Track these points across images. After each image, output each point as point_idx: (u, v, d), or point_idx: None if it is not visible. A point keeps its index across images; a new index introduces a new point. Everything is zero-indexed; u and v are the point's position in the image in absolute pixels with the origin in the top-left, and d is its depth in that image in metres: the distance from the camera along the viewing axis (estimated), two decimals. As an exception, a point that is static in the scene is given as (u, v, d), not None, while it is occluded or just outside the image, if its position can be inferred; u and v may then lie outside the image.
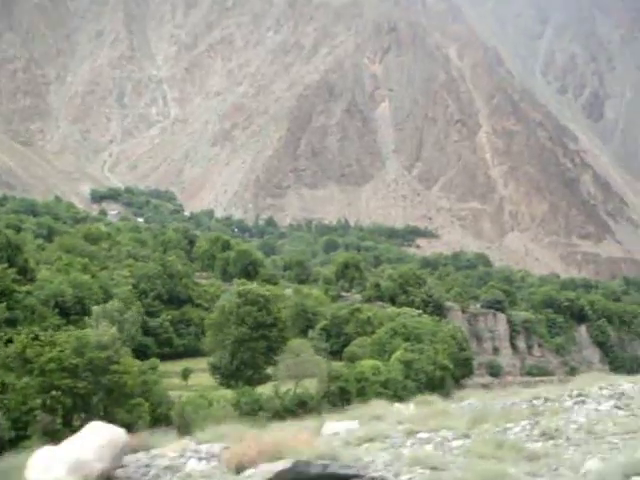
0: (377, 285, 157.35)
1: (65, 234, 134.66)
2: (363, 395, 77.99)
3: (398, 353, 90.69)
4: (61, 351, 46.73)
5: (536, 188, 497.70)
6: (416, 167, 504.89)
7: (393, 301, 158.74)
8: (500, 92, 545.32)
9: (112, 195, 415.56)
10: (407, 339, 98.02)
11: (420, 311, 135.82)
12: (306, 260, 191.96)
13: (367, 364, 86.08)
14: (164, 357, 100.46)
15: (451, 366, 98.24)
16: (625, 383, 22.54)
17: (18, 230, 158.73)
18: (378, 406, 22.87)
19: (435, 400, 22.90)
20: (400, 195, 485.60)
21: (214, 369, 72.00)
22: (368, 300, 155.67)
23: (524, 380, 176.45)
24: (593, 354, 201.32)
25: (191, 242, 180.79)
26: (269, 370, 71.35)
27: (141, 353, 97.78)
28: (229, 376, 69.60)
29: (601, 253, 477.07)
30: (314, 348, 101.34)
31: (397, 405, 23.89)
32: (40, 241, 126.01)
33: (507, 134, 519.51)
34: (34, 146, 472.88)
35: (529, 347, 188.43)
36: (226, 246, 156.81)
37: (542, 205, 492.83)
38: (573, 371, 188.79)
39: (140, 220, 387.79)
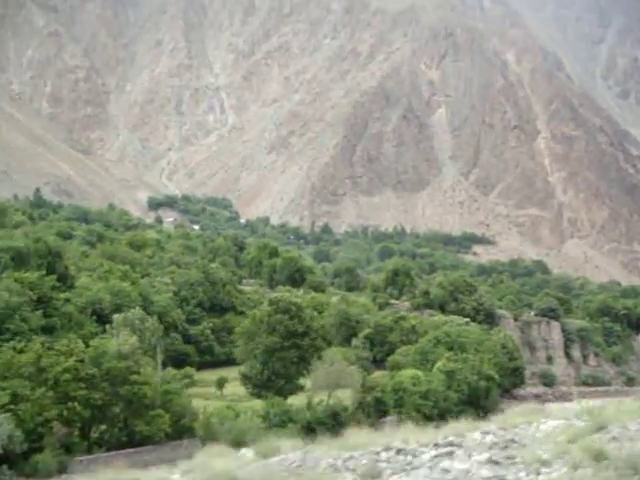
0: (426, 293, 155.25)
1: (108, 241, 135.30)
2: (401, 407, 76.49)
3: (440, 363, 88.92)
4: (78, 361, 46.15)
5: (596, 194, 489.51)
6: (473, 173, 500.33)
7: (443, 309, 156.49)
8: (559, 97, 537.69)
9: (169, 202, 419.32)
10: (450, 348, 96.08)
11: (468, 319, 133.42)
12: (356, 267, 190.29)
13: (407, 374, 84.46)
14: (205, 365, 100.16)
15: (496, 376, 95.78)
16: (549, 420, 18.47)
17: (69, 237, 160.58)
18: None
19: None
20: (457, 202, 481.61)
21: (245, 379, 71.09)
22: (417, 308, 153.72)
23: (579, 390, 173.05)
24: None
25: (241, 249, 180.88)
26: (302, 380, 70.10)
27: (181, 361, 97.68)
28: (260, 386, 68.59)
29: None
30: (356, 357, 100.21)
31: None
32: (86, 248, 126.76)
33: (566, 139, 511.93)
34: (93, 154, 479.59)
35: (584, 356, 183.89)
36: (274, 253, 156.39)
37: (602, 211, 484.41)
38: (631, 381, 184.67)
39: (196, 227, 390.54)
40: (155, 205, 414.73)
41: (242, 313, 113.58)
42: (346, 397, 66.08)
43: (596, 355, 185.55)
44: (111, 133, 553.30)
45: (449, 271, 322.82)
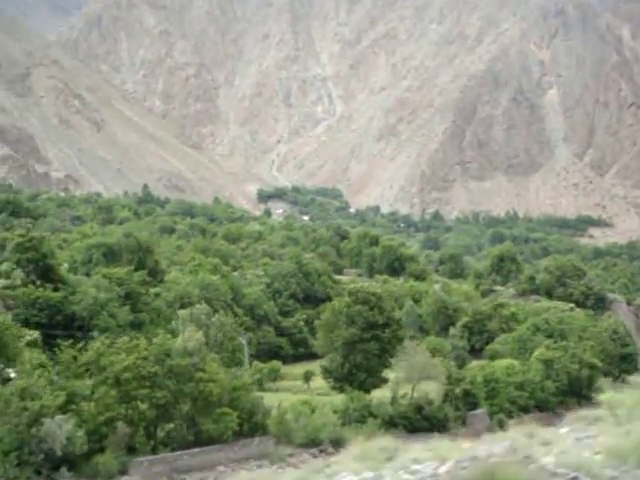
0: (532, 278, 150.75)
1: (203, 235, 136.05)
2: (493, 398, 73.78)
3: (538, 351, 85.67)
4: (140, 358, 45.67)
5: None
6: (588, 154, 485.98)
7: (550, 294, 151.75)
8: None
9: (278, 194, 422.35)
10: (550, 336, 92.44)
11: (572, 305, 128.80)
12: (463, 254, 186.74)
13: (501, 364, 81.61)
14: (299, 358, 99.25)
15: (599, 364, 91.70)
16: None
17: (171, 232, 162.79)
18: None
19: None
20: (571, 184, 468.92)
21: (326, 372, 69.70)
22: (522, 294, 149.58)
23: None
24: None
25: (343, 239, 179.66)
26: (386, 373, 68.32)
27: (274, 354, 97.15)
28: (342, 379, 67.07)
29: None
30: (452, 346, 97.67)
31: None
32: (182, 242, 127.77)
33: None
34: (203, 149, 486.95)
35: None
36: (374, 242, 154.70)
37: None
38: None
39: (305, 218, 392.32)
40: (264, 197, 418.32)
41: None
42: (434, 390, 64.07)
43: None
44: (221, 127, 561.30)
45: (561, 255, 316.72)
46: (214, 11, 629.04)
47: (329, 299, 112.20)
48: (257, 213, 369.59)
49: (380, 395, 65.17)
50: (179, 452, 46.49)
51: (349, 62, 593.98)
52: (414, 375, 61.44)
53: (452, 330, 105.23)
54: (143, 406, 45.65)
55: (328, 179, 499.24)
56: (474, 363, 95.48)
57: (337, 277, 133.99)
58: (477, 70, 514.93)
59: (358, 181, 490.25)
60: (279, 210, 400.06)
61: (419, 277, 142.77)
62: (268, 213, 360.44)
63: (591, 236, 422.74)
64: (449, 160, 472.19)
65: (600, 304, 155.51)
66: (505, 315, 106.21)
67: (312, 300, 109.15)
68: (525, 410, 77.35)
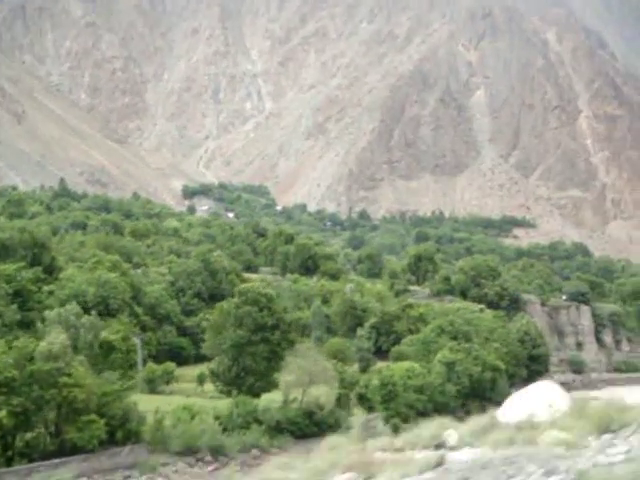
0: (447, 278, 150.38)
1: (104, 231, 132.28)
2: (389, 402, 72.25)
3: (440, 354, 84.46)
4: (-5, 364, 42.71)
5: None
6: (513, 155, 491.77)
7: (464, 295, 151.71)
8: (601, 76, 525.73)
9: (204, 191, 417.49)
10: (454, 338, 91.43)
11: (482, 306, 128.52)
12: (379, 253, 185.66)
13: (401, 366, 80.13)
14: (202, 359, 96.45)
15: (503, 366, 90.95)
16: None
17: (83, 227, 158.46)
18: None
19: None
20: (497, 184, 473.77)
21: (213, 375, 67.22)
22: (437, 294, 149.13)
23: (610, 377, 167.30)
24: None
25: (261, 236, 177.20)
26: (277, 376, 66.03)
27: (175, 354, 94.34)
28: (230, 383, 64.56)
29: None
30: (356, 348, 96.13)
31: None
32: (84, 238, 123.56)
33: (609, 119, 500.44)
34: (128, 144, 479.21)
35: (617, 342, 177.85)
36: (289, 240, 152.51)
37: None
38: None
39: (230, 215, 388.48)
40: (190, 194, 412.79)
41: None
42: (325, 394, 62.01)
43: (630, 340, 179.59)
44: (149, 122, 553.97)
45: (483, 255, 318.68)
46: (143, 4, 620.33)
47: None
48: (182, 209, 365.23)
49: (270, 399, 63.05)
50: (37, 463, 43.62)
51: (279, 59, 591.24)
52: (304, 379, 59.44)
53: (360, 331, 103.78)
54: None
55: (256, 176, 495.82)
56: (379, 365, 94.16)
57: (249, 275, 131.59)
58: (406, 70, 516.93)
59: (286, 179, 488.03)
60: (204, 207, 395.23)
61: (334, 276, 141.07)
62: (192, 210, 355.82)
63: (515, 237, 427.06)
64: (377, 159, 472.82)
65: (514, 305, 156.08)
66: (413, 316, 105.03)
67: (218, 299, 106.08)
68: (423, 414, 75.92)
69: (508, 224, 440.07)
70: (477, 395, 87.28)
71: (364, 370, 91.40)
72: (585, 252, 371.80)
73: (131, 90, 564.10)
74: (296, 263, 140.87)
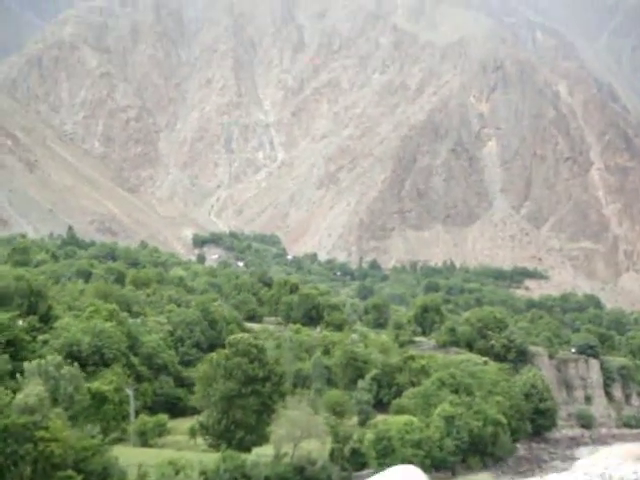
0: (452, 329, 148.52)
1: (101, 279, 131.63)
2: (384, 457, 70.43)
3: (440, 408, 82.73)
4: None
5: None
6: (525, 206, 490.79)
7: (470, 346, 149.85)
8: (613, 128, 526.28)
9: (214, 240, 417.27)
10: (455, 391, 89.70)
11: (485, 359, 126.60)
12: (386, 303, 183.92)
13: (399, 420, 78.45)
14: (198, 411, 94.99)
15: (504, 421, 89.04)
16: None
17: (89, 275, 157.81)
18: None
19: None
20: (508, 235, 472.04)
21: (203, 429, 65.68)
22: (443, 346, 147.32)
23: (620, 432, 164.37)
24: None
25: (267, 285, 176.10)
26: (269, 430, 64.33)
27: (172, 405, 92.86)
28: (220, 436, 62.99)
29: None
30: (356, 400, 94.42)
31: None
32: (85, 287, 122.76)
33: (620, 171, 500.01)
34: (139, 192, 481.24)
35: (627, 396, 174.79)
36: (294, 289, 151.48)
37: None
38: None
39: (240, 264, 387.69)
40: (200, 242, 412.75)
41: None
42: (316, 449, 60.37)
43: None
44: (161, 171, 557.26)
45: (493, 306, 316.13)
46: (158, 55, 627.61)
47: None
48: (192, 258, 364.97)
49: (261, 454, 61.47)
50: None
51: (291, 109, 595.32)
52: (295, 432, 57.96)
53: (360, 383, 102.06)
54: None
55: (267, 225, 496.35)
56: (379, 418, 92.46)
57: (252, 325, 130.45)
58: (417, 120, 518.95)
59: (297, 228, 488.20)
60: (214, 256, 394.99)
61: (339, 327, 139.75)
62: (202, 258, 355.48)
63: (527, 288, 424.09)
64: (388, 209, 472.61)
65: (521, 357, 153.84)
66: (415, 368, 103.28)
67: (218, 349, 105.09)
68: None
69: (519, 275, 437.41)
70: (478, 450, 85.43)
71: (363, 423, 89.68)
72: (597, 304, 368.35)
73: (144, 139, 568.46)
74: (300, 313, 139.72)
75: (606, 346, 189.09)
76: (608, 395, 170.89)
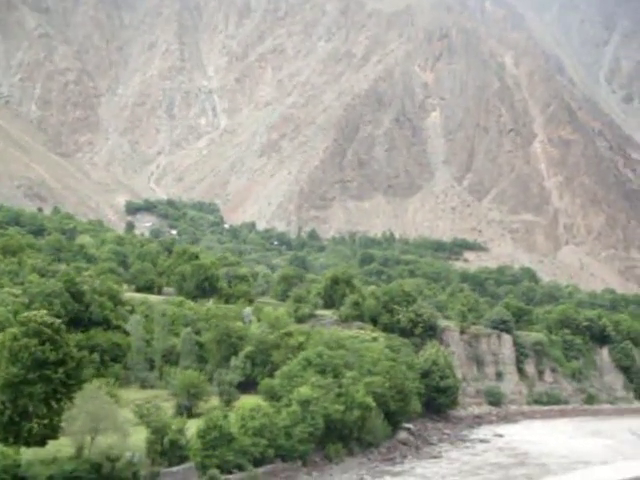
0: (357, 303, 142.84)
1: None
2: (214, 449, 63.72)
3: (296, 391, 76.79)
4: None
5: (593, 199, 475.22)
6: (467, 178, 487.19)
7: (375, 321, 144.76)
8: (557, 100, 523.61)
9: (148, 207, 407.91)
10: (322, 371, 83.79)
11: (375, 335, 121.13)
12: (297, 276, 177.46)
13: (245, 405, 72.38)
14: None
15: (373, 404, 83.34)
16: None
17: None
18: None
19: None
20: (449, 207, 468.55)
21: (-13, 419, 58.47)
22: (345, 320, 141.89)
23: (530, 410, 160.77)
24: (616, 380, 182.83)
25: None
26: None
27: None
28: (4, 429, 55.64)
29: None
30: (218, 381, 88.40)
31: None
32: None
33: (563, 143, 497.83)
34: (72, 158, 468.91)
35: (540, 372, 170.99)
36: (193, 259, 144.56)
37: (599, 217, 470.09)
38: (591, 399, 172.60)
39: (173, 232, 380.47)
40: (133, 210, 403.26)
41: (118, 327, 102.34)
42: (118, 443, 53.56)
43: (553, 371, 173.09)
44: (101, 137, 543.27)
45: (428, 278, 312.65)
46: (100, 17, 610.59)
47: (107, 323, 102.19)
48: (118, 225, 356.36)
49: (53, 450, 54.66)
50: None
51: (235, 75, 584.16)
52: (89, 425, 51.41)
53: (234, 360, 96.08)
54: None
55: (207, 193, 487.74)
56: (249, 399, 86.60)
57: (145, 296, 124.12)
58: (361, 89, 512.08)
59: (237, 196, 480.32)
60: (147, 223, 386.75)
61: (229, 299, 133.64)
62: (131, 226, 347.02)
63: (466, 260, 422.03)
64: (329, 178, 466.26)
65: (430, 332, 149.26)
66: (292, 345, 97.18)
67: (85, 324, 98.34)
68: (260, 462, 68.06)
69: (459, 247, 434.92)
70: (341, 437, 79.73)
71: (227, 405, 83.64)
72: (532, 277, 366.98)
73: (84, 104, 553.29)
74: (192, 284, 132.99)
75: (524, 321, 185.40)
76: (520, 371, 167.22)
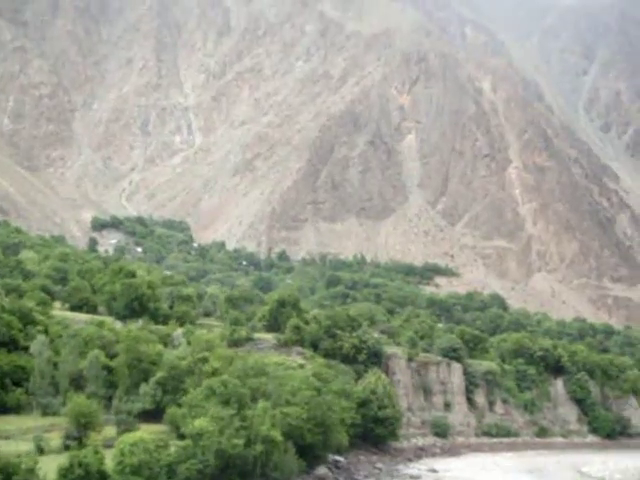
0: (297, 327, 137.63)
1: None
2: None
3: (191, 423, 71.34)
4: None
5: (566, 227, 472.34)
6: (440, 202, 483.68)
7: (315, 347, 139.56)
8: (533, 127, 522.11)
9: (114, 224, 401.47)
10: (226, 401, 78.39)
11: (302, 362, 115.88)
12: (245, 297, 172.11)
13: (127, 439, 66.67)
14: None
15: (281, 438, 77.90)
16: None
17: None
18: None
19: None
20: (422, 231, 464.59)
21: None
22: (285, 345, 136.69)
23: (477, 442, 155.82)
24: (570, 412, 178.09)
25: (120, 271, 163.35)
26: None
27: None
28: None
29: (634, 298, 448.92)
30: (114, 410, 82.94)
31: None
32: None
33: (538, 170, 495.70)
34: (40, 172, 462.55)
35: (490, 403, 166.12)
36: (129, 277, 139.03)
37: (572, 245, 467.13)
38: (543, 432, 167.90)
39: (139, 250, 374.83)
40: (99, 226, 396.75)
41: (26, 349, 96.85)
42: None
43: (505, 401, 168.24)
44: (74, 152, 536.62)
45: (396, 303, 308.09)
46: (77, 31, 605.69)
47: (14, 343, 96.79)
48: (86, 242, 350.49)
49: None
50: None
51: (212, 93, 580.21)
52: None
53: (143, 387, 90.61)
54: None
55: (178, 211, 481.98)
56: (153, 428, 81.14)
57: (76, 316, 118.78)
58: (337, 110, 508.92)
59: (208, 215, 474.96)
60: (113, 240, 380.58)
61: (158, 320, 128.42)
62: (94, 243, 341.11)
63: (437, 285, 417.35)
64: (301, 199, 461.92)
65: (374, 359, 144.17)
66: (206, 371, 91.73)
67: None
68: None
69: (430, 272, 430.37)
70: (242, 474, 74.22)
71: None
72: (501, 304, 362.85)
73: (57, 118, 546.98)
74: (121, 304, 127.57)
75: (479, 349, 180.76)
76: (470, 402, 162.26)
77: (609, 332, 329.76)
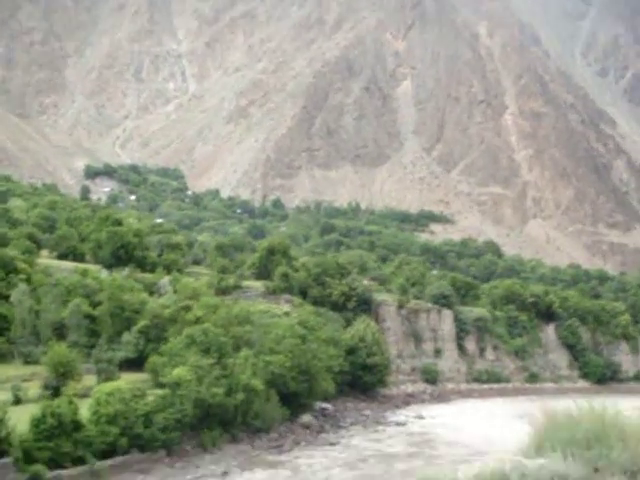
0: (285, 275, 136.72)
1: None
2: (47, 440, 56.46)
3: (169, 372, 70.62)
4: None
5: (562, 173, 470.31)
6: (436, 149, 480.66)
7: (304, 294, 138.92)
8: (529, 72, 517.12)
9: (108, 172, 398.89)
10: (206, 350, 77.60)
11: (287, 309, 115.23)
12: (236, 245, 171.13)
13: (105, 388, 65.92)
14: None
15: (261, 387, 77.35)
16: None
17: None
18: None
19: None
20: (417, 178, 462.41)
21: None
22: (273, 293, 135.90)
23: (468, 388, 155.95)
24: (561, 358, 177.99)
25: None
26: None
27: None
28: None
29: (629, 243, 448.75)
30: (94, 359, 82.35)
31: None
32: None
33: (534, 116, 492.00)
34: (31, 119, 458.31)
35: (481, 349, 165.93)
36: (116, 225, 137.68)
37: (568, 191, 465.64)
38: (533, 378, 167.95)
39: (132, 198, 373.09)
40: (92, 174, 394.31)
41: (7, 298, 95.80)
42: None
43: (495, 348, 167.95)
44: (66, 99, 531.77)
45: (389, 251, 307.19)
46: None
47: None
48: (78, 190, 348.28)
49: None
50: None
51: (206, 40, 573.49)
52: None
53: (126, 336, 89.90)
54: None
55: (172, 159, 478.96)
56: (133, 377, 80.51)
57: (62, 264, 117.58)
58: (332, 56, 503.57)
59: (202, 163, 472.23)
60: (106, 188, 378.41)
61: (144, 267, 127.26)
62: (86, 191, 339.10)
63: (432, 232, 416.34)
64: (296, 146, 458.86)
65: (364, 307, 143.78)
66: (189, 320, 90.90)
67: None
68: (111, 454, 61.71)
69: (425, 219, 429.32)
70: (223, 422, 73.72)
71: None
72: (496, 250, 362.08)
73: (50, 65, 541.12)
74: (107, 252, 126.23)
75: (471, 296, 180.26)
76: (461, 348, 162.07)
77: (603, 278, 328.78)
